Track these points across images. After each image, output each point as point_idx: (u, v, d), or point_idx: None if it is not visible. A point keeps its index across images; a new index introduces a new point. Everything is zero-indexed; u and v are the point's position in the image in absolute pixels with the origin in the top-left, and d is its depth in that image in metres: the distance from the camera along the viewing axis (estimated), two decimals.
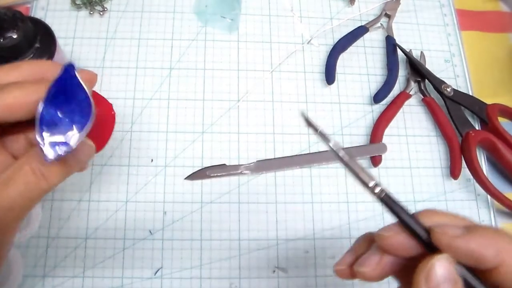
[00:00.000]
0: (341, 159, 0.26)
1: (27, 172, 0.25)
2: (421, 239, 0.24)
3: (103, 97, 0.31)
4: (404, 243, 0.24)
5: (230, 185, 0.45)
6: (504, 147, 0.47)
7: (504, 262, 0.23)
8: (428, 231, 0.24)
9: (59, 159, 0.24)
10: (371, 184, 0.25)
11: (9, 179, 0.25)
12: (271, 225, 0.44)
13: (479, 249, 0.23)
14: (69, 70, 0.25)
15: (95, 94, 0.29)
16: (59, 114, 0.25)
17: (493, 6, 0.58)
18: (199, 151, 0.46)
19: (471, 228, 0.24)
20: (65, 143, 0.24)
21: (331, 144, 0.25)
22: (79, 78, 0.25)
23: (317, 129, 0.26)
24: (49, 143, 0.24)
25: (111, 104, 0.31)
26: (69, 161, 0.26)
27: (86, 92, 0.25)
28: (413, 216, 0.24)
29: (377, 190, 0.25)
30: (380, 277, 0.26)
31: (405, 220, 0.24)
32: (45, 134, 0.24)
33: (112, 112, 0.31)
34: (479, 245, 0.23)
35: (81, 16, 0.50)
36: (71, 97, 0.25)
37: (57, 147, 0.24)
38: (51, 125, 0.24)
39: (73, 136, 0.24)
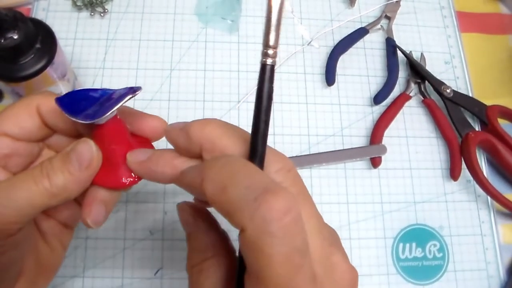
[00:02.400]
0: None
1: (34, 173, 0.25)
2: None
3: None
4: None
5: None
6: (504, 149, 0.47)
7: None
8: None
9: None
10: (269, 50, 0.22)
11: (17, 180, 0.25)
12: None
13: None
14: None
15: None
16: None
17: (493, 8, 0.58)
18: None
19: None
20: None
21: None
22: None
23: None
24: None
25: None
26: (77, 155, 0.26)
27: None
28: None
29: (269, 60, 0.23)
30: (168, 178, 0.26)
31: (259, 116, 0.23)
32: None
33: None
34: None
35: (82, 17, 0.51)
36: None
37: None
38: None
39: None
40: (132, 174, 0.28)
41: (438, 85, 0.50)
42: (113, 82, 0.48)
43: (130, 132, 0.29)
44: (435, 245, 0.45)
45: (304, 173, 0.46)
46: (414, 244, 0.45)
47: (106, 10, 0.51)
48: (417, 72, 0.51)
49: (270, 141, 0.47)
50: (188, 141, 0.25)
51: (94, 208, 0.27)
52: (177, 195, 0.44)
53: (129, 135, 0.29)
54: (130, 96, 0.26)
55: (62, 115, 0.26)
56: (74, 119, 0.25)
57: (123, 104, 0.26)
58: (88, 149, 0.26)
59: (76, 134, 0.29)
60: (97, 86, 0.48)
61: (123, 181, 0.27)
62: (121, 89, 0.27)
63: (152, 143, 0.30)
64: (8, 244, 0.25)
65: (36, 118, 0.28)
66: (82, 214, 0.27)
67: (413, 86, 0.51)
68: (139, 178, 0.28)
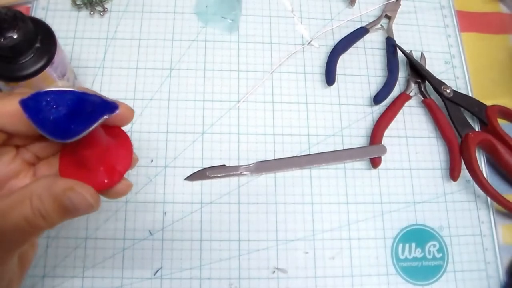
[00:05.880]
0: None
1: (27, 207, 0.25)
2: None
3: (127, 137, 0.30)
4: None
5: (230, 185, 0.45)
6: (503, 149, 0.47)
7: None
8: None
9: None
10: None
11: (10, 208, 0.25)
12: (270, 225, 0.44)
13: None
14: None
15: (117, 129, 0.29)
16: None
17: (493, 7, 0.58)
18: (199, 152, 0.46)
19: None
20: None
21: None
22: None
23: None
24: None
25: (131, 144, 0.29)
26: (73, 205, 0.26)
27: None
28: None
29: None
30: None
31: None
32: None
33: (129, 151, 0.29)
34: None
35: (81, 16, 0.50)
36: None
37: None
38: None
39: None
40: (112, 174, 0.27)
41: (438, 85, 0.50)
42: (112, 81, 0.48)
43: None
44: (434, 246, 0.45)
45: (304, 173, 0.46)
46: (413, 245, 0.45)
47: (105, 9, 0.51)
48: (417, 72, 0.51)
49: (270, 141, 0.47)
50: None
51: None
52: (177, 196, 0.44)
53: (103, 135, 0.27)
54: (106, 117, 0.24)
55: (21, 118, 0.24)
56: (44, 133, 0.24)
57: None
58: (85, 202, 0.25)
59: (39, 134, 0.27)
60: (97, 85, 0.48)
61: (105, 182, 0.27)
62: (94, 96, 0.25)
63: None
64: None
65: None
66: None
67: (413, 86, 0.51)
68: (119, 178, 0.27)
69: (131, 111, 0.28)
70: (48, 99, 0.24)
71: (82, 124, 0.24)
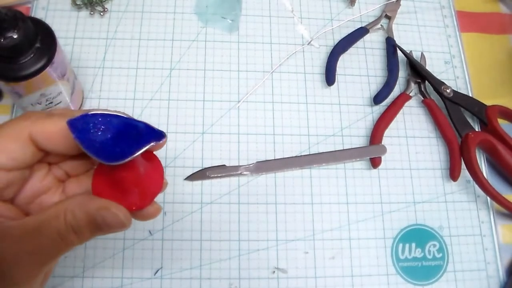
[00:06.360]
0: None
1: (61, 222, 0.25)
2: None
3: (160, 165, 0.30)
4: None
5: (230, 186, 0.45)
6: (503, 149, 0.47)
7: None
8: None
9: None
10: None
11: (45, 222, 0.25)
12: (271, 225, 0.44)
13: None
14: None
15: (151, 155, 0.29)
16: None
17: (493, 7, 0.58)
18: (199, 152, 0.46)
19: None
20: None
21: None
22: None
23: None
24: None
25: (162, 170, 0.30)
26: (106, 223, 0.26)
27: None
28: None
29: None
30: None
31: None
32: None
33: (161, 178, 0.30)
34: None
35: (81, 16, 0.50)
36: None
37: None
38: None
39: None
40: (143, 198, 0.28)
41: (438, 85, 0.50)
42: (112, 81, 0.48)
43: None
44: (434, 246, 0.45)
45: (304, 173, 0.46)
46: (413, 245, 0.45)
47: (105, 9, 0.51)
48: (417, 72, 0.51)
49: (270, 141, 0.47)
50: None
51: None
52: (177, 196, 0.44)
53: (140, 160, 0.28)
54: (153, 144, 0.25)
55: (63, 139, 0.25)
56: (90, 154, 0.24)
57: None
58: (117, 220, 0.26)
59: (76, 153, 0.28)
60: (97, 85, 0.47)
61: (137, 204, 0.28)
62: (140, 122, 0.26)
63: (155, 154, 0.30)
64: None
65: (30, 146, 0.26)
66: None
67: (413, 86, 0.51)
68: (151, 201, 0.28)
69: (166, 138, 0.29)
70: (95, 122, 0.25)
71: (128, 148, 0.25)
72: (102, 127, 0.25)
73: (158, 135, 0.26)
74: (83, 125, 0.25)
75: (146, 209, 0.28)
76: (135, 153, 0.25)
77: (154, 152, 0.30)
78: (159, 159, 0.30)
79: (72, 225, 0.25)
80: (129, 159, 0.25)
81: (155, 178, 0.29)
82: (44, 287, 0.30)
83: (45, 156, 0.28)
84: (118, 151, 0.25)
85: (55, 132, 0.26)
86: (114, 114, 0.26)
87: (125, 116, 0.26)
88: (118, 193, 0.27)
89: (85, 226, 0.25)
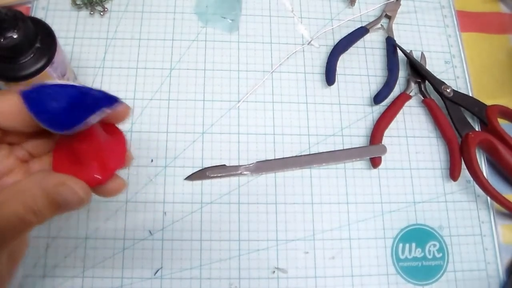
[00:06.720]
0: None
1: (17, 204, 0.25)
2: None
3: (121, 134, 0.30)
4: None
5: (230, 185, 0.45)
6: (503, 149, 0.47)
7: None
8: None
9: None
10: None
11: (0, 204, 0.24)
12: (271, 225, 0.44)
13: None
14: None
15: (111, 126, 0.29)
16: None
17: (493, 7, 0.58)
18: (199, 152, 0.46)
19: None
20: None
21: None
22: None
23: None
24: None
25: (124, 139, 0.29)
26: (64, 200, 0.26)
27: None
28: None
29: None
30: None
31: None
32: None
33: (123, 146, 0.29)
34: None
35: (81, 16, 0.50)
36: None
37: None
38: None
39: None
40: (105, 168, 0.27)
41: (438, 84, 0.50)
42: (112, 81, 0.48)
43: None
44: (434, 245, 0.45)
45: (304, 173, 0.46)
46: (413, 244, 0.45)
47: (105, 9, 0.51)
48: (417, 71, 0.51)
49: (270, 141, 0.47)
50: None
51: None
52: (177, 196, 0.44)
53: (100, 131, 0.27)
54: (105, 109, 0.25)
55: (18, 114, 0.24)
56: (43, 124, 0.24)
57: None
58: (76, 196, 0.25)
59: (35, 130, 0.27)
60: (97, 85, 0.48)
61: (97, 177, 0.27)
62: (95, 90, 0.25)
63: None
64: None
65: None
66: None
67: (413, 85, 0.51)
68: (111, 174, 0.27)
69: (127, 107, 0.28)
70: (49, 92, 0.24)
71: (82, 115, 0.24)
72: (56, 97, 0.24)
73: (111, 101, 0.25)
74: (37, 95, 0.24)
75: (108, 183, 0.28)
76: (87, 119, 0.24)
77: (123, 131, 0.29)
78: (126, 133, 0.29)
79: (31, 206, 0.25)
80: (81, 126, 0.24)
81: (117, 152, 0.28)
82: (14, 270, 0.29)
83: (4, 136, 0.27)
84: (70, 120, 0.24)
85: (9, 108, 0.25)
86: (70, 84, 0.25)
87: (81, 85, 0.25)
88: (77, 168, 0.27)
89: (44, 206, 0.25)
